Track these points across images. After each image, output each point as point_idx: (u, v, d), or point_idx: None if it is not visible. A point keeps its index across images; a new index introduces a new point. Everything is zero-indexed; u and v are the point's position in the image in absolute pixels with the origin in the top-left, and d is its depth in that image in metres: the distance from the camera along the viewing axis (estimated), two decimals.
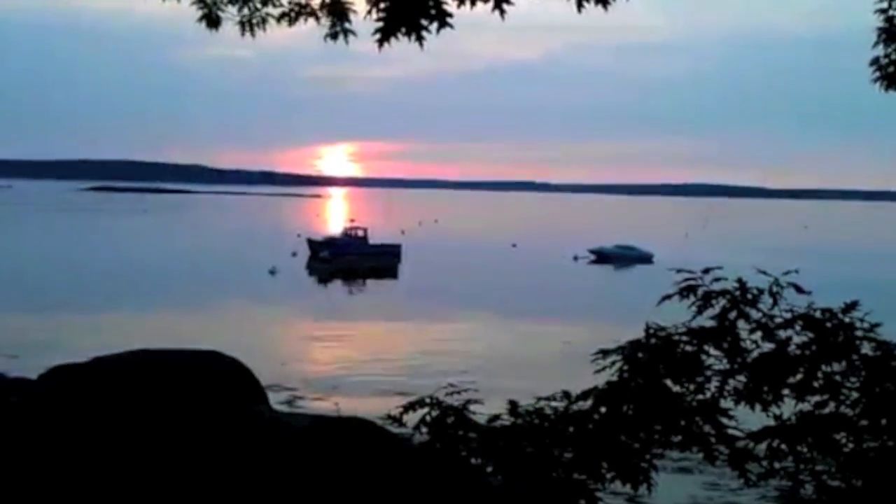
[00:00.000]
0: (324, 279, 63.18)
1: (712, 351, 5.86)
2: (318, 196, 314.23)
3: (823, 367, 5.70)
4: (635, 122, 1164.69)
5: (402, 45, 5.25)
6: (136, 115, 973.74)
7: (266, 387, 12.84)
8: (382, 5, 5.18)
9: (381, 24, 5.18)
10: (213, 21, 7.66)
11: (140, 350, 11.60)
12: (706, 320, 5.93)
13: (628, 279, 65.82)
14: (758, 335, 5.87)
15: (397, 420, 6.14)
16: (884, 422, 5.53)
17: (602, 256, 79.64)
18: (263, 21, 7.76)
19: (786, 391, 5.71)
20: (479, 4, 5.26)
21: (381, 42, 5.22)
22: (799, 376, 5.69)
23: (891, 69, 8.08)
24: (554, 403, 5.85)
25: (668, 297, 6.04)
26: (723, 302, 5.91)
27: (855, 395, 5.64)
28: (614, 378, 5.79)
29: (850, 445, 5.53)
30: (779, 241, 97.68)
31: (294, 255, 75.66)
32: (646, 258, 77.44)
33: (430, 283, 59.84)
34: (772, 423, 5.63)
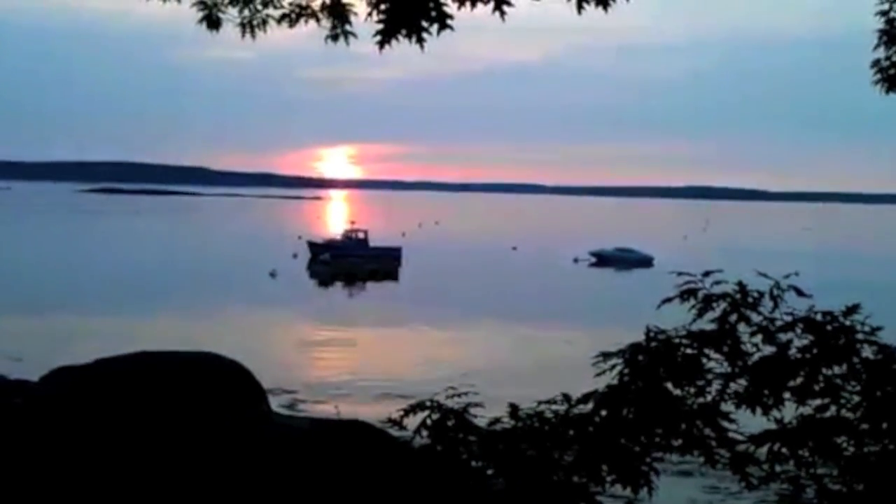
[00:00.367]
0: (324, 282, 63.21)
1: (713, 354, 5.84)
2: (318, 198, 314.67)
3: (824, 371, 5.69)
4: (636, 124, 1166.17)
5: (402, 46, 5.25)
6: (136, 117, 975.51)
7: (266, 390, 12.84)
8: (383, 7, 5.18)
9: (381, 25, 5.17)
10: (213, 22, 7.66)
11: (141, 352, 11.60)
12: (707, 323, 5.91)
13: (628, 282, 65.81)
14: (758, 338, 5.85)
15: (398, 423, 6.13)
16: (885, 425, 5.52)
17: (602, 259, 79.67)
18: (264, 23, 7.76)
19: (787, 395, 5.70)
20: (480, 6, 5.26)
21: (381, 44, 5.21)
22: (800, 380, 5.68)
23: (891, 71, 8.07)
24: (554, 407, 5.84)
25: (669, 300, 6.03)
26: (723, 305, 5.90)
27: (856, 398, 5.63)
28: (615, 381, 5.78)
29: (851, 449, 5.52)
30: (779, 244, 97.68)
31: (295, 256, 75.70)
32: (646, 261, 77.48)
33: (431, 285, 59.87)
34: (773, 426, 5.62)
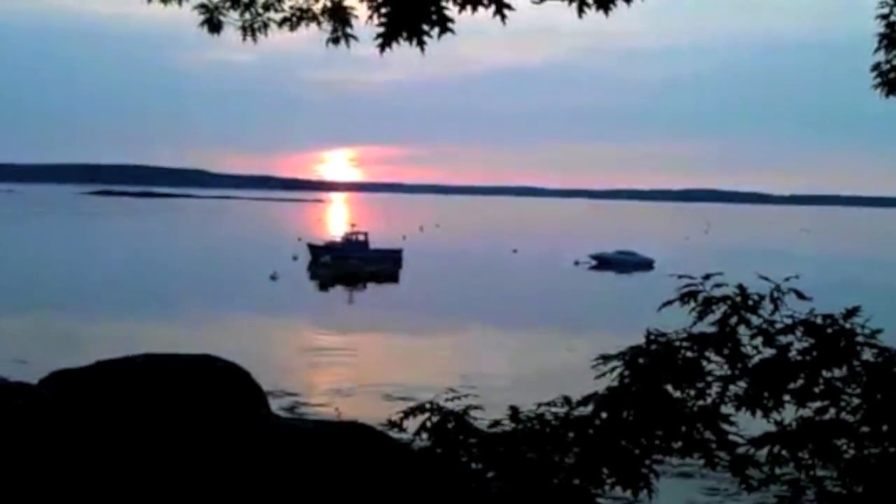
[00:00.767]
0: (325, 284, 63.19)
1: (713, 357, 5.85)
2: (319, 200, 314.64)
3: (824, 373, 5.69)
4: (637, 126, 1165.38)
5: (403, 49, 5.25)
6: (137, 120, 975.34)
7: (267, 392, 12.82)
8: (384, 10, 5.18)
9: (382, 28, 5.18)
10: (214, 26, 7.67)
11: (141, 355, 11.60)
12: (707, 326, 5.92)
13: (629, 285, 65.77)
14: (759, 341, 5.86)
15: (397, 425, 6.14)
16: (885, 428, 5.52)
17: (603, 262, 79.65)
18: (265, 26, 7.78)
19: (787, 397, 5.70)
20: (481, 9, 5.26)
21: (382, 47, 5.22)
22: (800, 382, 5.68)
23: (891, 75, 8.08)
24: (554, 409, 5.84)
25: (669, 302, 6.04)
26: (724, 308, 5.90)
27: (856, 401, 5.63)
28: (615, 383, 5.78)
29: (851, 452, 5.52)
30: (780, 247, 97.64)
31: (295, 259, 75.70)
32: (646, 264, 77.49)
33: (432, 288, 59.86)
34: (773, 429, 5.62)
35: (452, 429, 5.85)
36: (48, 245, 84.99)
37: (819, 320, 5.82)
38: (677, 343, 5.86)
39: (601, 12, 5.56)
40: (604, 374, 5.82)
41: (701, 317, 5.93)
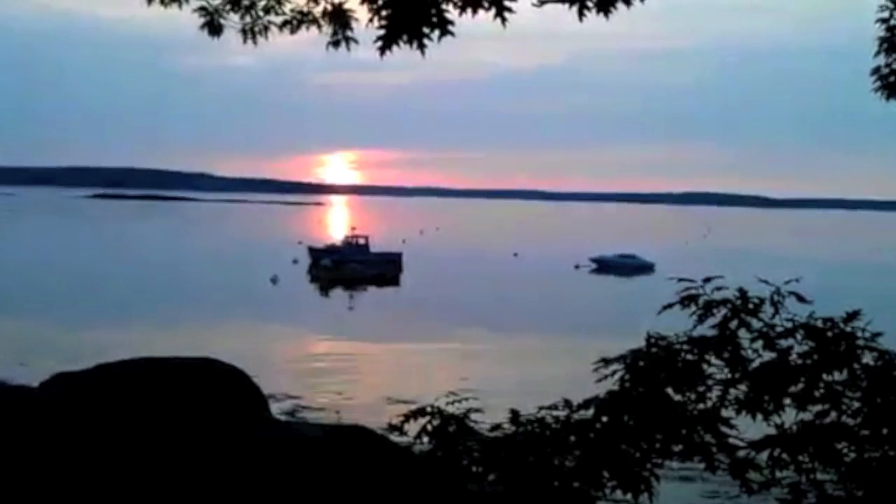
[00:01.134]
0: (325, 287, 63.16)
1: (713, 360, 5.85)
2: (319, 204, 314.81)
3: (825, 377, 5.69)
4: (637, 130, 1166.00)
5: (403, 52, 5.26)
6: (139, 123, 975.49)
7: (267, 395, 12.83)
8: (384, 13, 5.18)
9: (383, 31, 5.18)
10: (215, 28, 7.67)
11: (141, 357, 11.61)
12: (707, 329, 5.92)
13: (629, 288, 65.75)
14: (759, 344, 5.86)
15: (398, 429, 6.13)
16: (885, 431, 5.52)
17: (603, 265, 79.64)
18: (266, 29, 7.78)
19: (787, 400, 5.70)
20: (481, 12, 5.26)
21: (382, 50, 5.22)
22: (800, 386, 5.68)
23: (891, 79, 8.07)
24: (555, 412, 5.84)
25: (670, 306, 6.04)
26: (724, 311, 5.90)
27: (856, 404, 5.63)
28: (616, 387, 5.78)
29: (852, 455, 5.52)
30: (780, 251, 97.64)
31: (295, 262, 75.70)
32: (647, 267, 77.49)
33: (432, 292, 59.84)
34: (773, 432, 5.62)
35: (453, 432, 5.85)
36: (49, 248, 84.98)
37: (819, 324, 5.82)
38: (678, 346, 5.86)
39: (601, 15, 5.56)
40: (604, 378, 5.82)
41: (701, 320, 5.93)
